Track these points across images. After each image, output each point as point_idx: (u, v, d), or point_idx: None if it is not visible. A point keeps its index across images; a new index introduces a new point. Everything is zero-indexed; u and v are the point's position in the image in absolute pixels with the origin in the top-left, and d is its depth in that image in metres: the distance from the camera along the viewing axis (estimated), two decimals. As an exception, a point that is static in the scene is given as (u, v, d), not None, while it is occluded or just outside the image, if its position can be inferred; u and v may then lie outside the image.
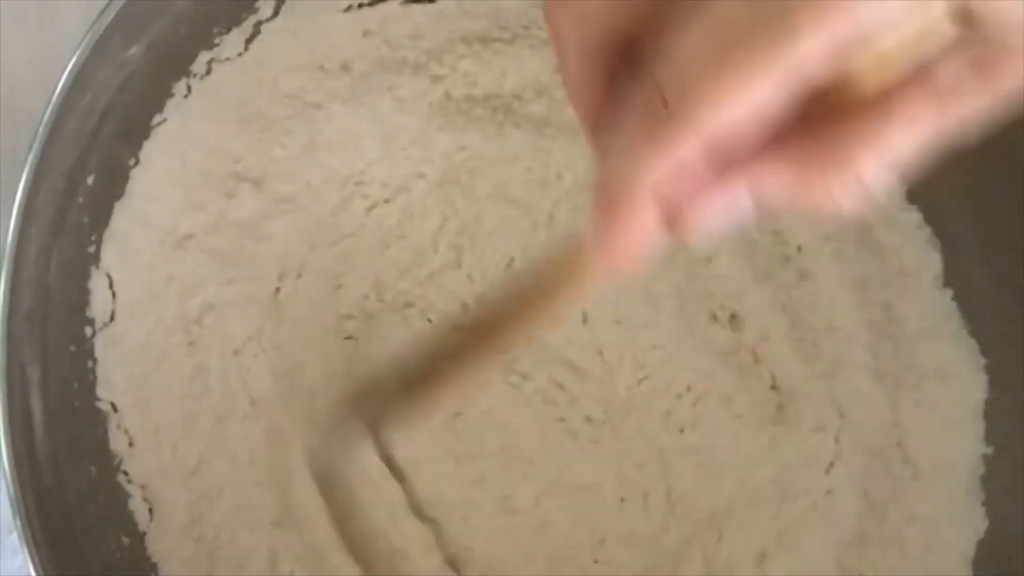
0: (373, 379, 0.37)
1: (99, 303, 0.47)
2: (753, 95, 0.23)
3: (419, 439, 0.50)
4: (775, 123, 0.24)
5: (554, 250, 0.30)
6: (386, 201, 0.52)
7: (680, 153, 0.24)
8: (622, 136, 0.25)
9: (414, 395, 0.36)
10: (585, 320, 0.51)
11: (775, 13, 0.22)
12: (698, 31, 0.23)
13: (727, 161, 0.25)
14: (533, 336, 0.32)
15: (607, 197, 0.26)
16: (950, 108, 0.24)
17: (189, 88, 0.49)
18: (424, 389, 0.36)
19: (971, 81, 0.24)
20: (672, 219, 0.26)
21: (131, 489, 0.48)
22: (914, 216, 0.52)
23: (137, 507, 0.48)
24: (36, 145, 0.42)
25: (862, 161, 0.24)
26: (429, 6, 0.51)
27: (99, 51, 0.43)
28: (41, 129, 0.42)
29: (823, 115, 0.24)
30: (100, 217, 0.47)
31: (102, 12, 0.43)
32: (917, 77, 0.24)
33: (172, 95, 0.48)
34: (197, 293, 0.49)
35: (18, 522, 0.40)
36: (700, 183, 0.25)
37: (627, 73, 0.26)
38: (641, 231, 0.26)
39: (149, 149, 0.48)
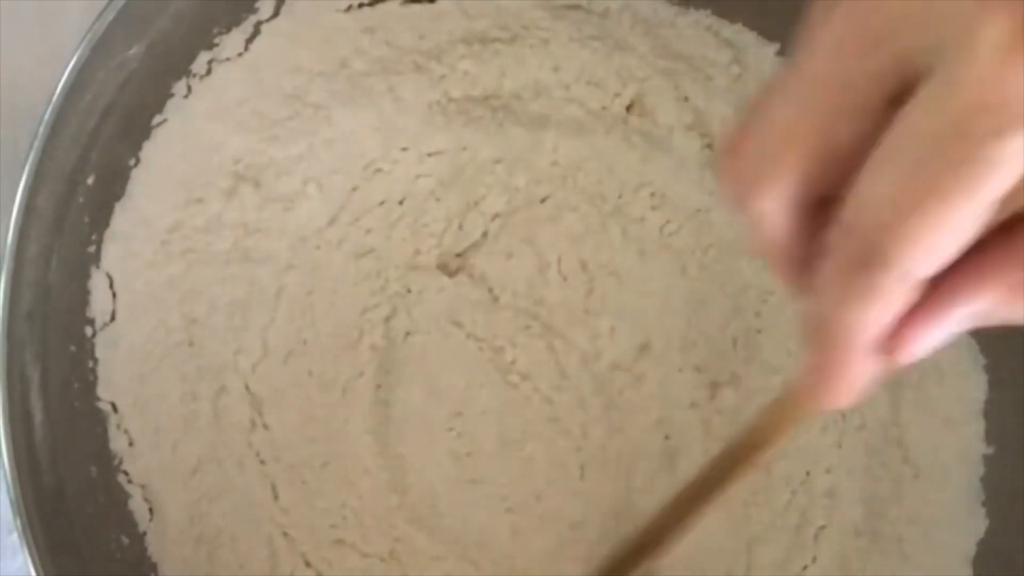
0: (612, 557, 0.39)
1: (99, 303, 0.47)
2: (954, 227, 0.23)
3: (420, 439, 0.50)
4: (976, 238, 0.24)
5: (769, 404, 0.31)
6: (386, 201, 0.52)
7: (892, 297, 0.24)
8: (831, 287, 0.25)
9: (644, 556, 0.37)
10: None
11: (956, 144, 0.22)
12: (884, 169, 0.23)
13: (934, 283, 0.25)
14: (748, 478, 0.33)
15: (825, 341, 0.26)
16: None
17: (189, 88, 0.49)
18: (651, 551, 0.37)
19: None
20: (889, 346, 0.26)
21: (131, 489, 0.48)
22: (914, 216, 0.52)
23: (137, 507, 0.48)
24: (36, 145, 0.42)
25: None
26: (429, 6, 0.51)
27: (99, 51, 0.43)
28: (41, 129, 0.42)
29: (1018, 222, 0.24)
30: (100, 217, 0.47)
31: (102, 12, 0.43)
32: None
33: (172, 95, 0.48)
34: (197, 293, 0.49)
35: (18, 522, 0.40)
36: (911, 308, 0.25)
37: (825, 225, 0.25)
38: (860, 373, 0.26)
39: (149, 149, 0.48)
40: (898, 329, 0.25)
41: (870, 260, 0.24)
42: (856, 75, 0.24)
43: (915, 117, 0.23)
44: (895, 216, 0.23)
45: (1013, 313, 0.25)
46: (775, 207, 0.26)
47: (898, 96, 0.23)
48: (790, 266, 0.27)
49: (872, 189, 0.24)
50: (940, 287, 0.25)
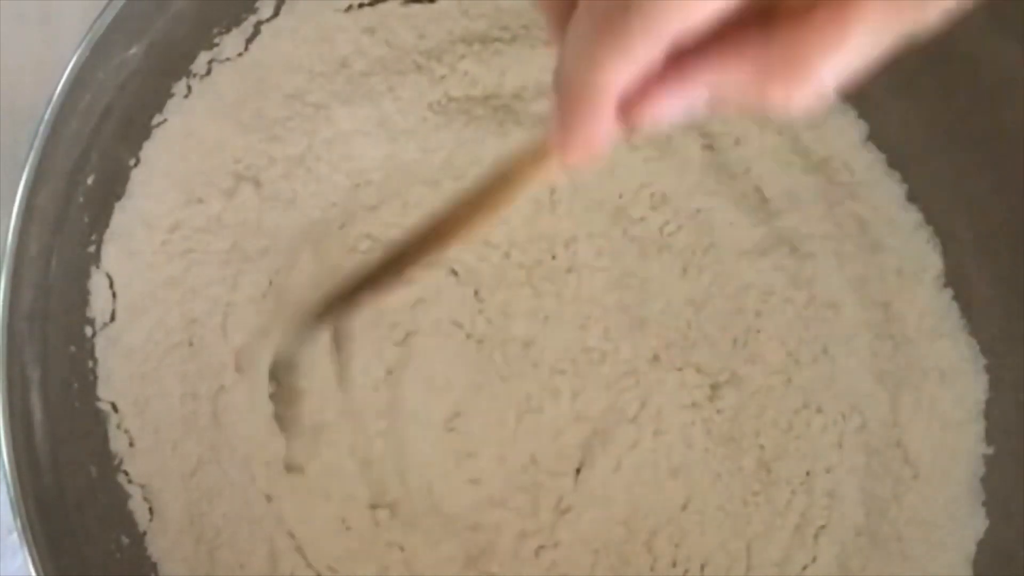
0: (344, 276, 0.39)
1: (99, 303, 0.47)
2: None
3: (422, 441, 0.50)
4: (733, 17, 0.24)
5: (518, 146, 0.31)
6: (387, 201, 0.52)
7: (640, 53, 0.24)
8: (582, 36, 0.25)
9: (376, 283, 0.37)
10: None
11: None
12: None
13: (684, 55, 0.25)
14: (488, 225, 0.33)
15: (568, 95, 0.26)
16: (906, 12, 0.24)
17: (189, 88, 0.49)
18: (385, 277, 0.37)
19: None
20: (627, 112, 0.26)
21: (131, 489, 0.48)
22: (914, 216, 0.52)
23: (137, 507, 0.48)
24: (36, 145, 0.42)
25: (820, 67, 0.24)
26: (429, 6, 0.51)
27: (99, 51, 0.43)
28: (41, 129, 0.42)
29: (782, 13, 0.24)
30: (100, 217, 0.47)
31: (102, 12, 0.43)
32: None
33: (172, 95, 0.48)
34: (197, 293, 0.49)
35: (18, 522, 0.40)
36: (657, 77, 0.25)
37: None
38: (600, 127, 0.26)
39: (149, 149, 0.48)
40: (640, 93, 0.26)
41: (619, 12, 0.24)
42: None
43: None
44: None
45: (753, 98, 0.25)
46: None
47: None
48: (558, 20, 0.27)
49: None
50: (687, 60, 0.25)
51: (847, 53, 0.24)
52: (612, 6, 0.24)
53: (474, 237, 0.33)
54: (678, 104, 0.26)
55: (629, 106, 0.26)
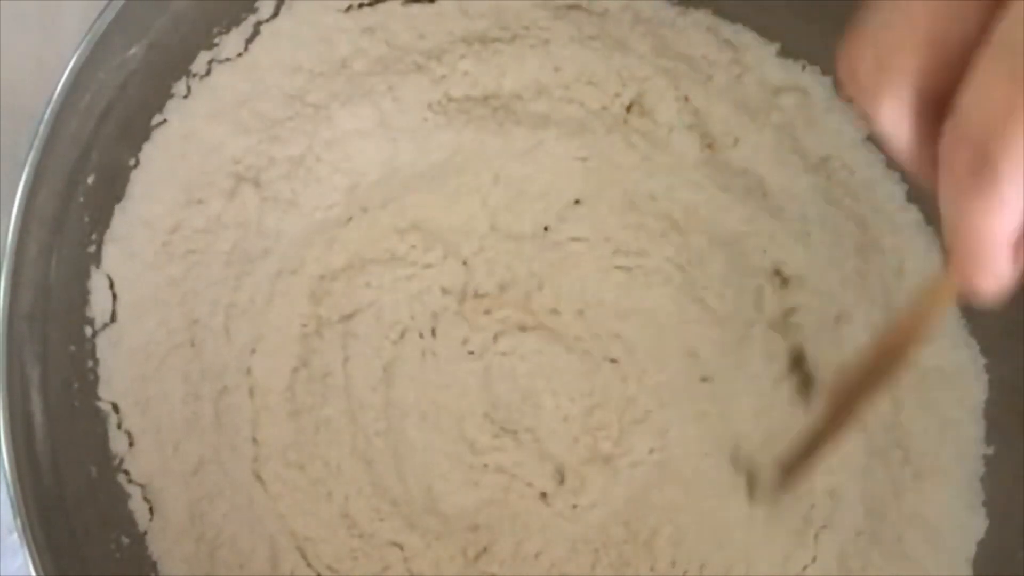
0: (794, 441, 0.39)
1: (99, 303, 0.47)
2: None
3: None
4: None
5: (914, 297, 0.32)
6: (387, 201, 0.52)
7: (1010, 204, 0.24)
8: (954, 196, 0.25)
9: (823, 439, 0.38)
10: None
11: None
12: (996, 73, 0.23)
13: None
14: (900, 374, 0.34)
15: (962, 250, 0.26)
16: None
17: (189, 88, 0.49)
18: (809, 457, 0.38)
19: None
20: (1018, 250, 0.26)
21: (131, 489, 0.48)
22: (914, 216, 0.52)
23: (137, 507, 0.48)
24: (36, 145, 0.42)
25: None
26: (429, 6, 0.51)
27: (99, 51, 0.43)
28: (41, 129, 0.42)
29: None
30: (100, 217, 0.47)
31: (102, 12, 0.43)
32: None
33: (172, 95, 0.48)
34: (198, 294, 0.49)
35: (18, 522, 0.40)
36: None
37: (942, 126, 0.26)
38: (999, 273, 0.26)
39: (149, 149, 0.48)
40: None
41: (980, 169, 0.24)
42: None
43: (1016, 17, 0.22)
44: (1000, 122, 0.23)
45: None
46: (896, 112, 0.26)
47: None
48: (920, 165, 0.28)
49: (976, 96, 0.24)
50: None
51: None
52: (973, 160, 0.24)
53: (900, 373, 0.34)
54: None
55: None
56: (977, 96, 0.24)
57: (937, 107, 0.26)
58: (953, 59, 0.25)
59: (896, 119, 0.27)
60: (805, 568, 0.50)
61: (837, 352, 0.52)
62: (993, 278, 0.27)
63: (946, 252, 0.27)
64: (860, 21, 0.27)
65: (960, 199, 0.25)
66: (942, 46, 0.25)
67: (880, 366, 0.34)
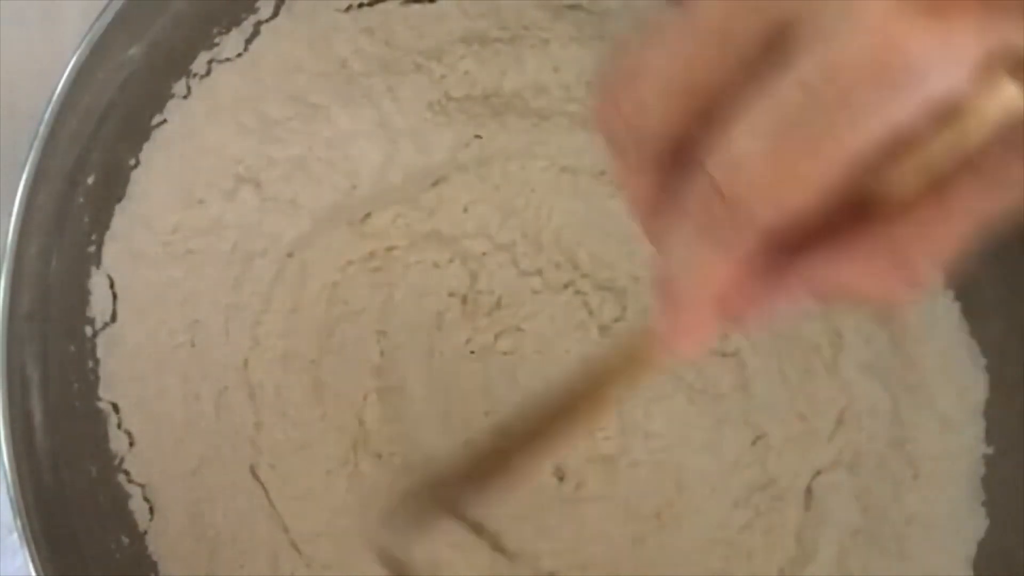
0: (433, 474, 0.39)
1: (99, 303, 0.47)
2: (812, 186, 0.22)
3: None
4: (830, 213, 0.24)
5: (613, 344, 0.31)
6: (387, 201, 0.52)
7: (741, 253, 0.24)
8: (681, 236, 0.25)
9: (470, 487, 0.37)
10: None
11: (834, 99, 0.21)
12: (754, 124, 0.23)
13: (781, 252, 0.25)
14: (592, 427, 0.33)
15: (671, 297, 0.26)
16: (997, 194, 0.24)
17: (189, 88, 0.49)
18: (479, 483, 0.37)
19: (1017, 164, 0.24)
20: (731, 311, 0.26)
21: (131, 489, 0.48)
22: (914, 216, 0.52)
23: (137, 507, 0.48)
24: (36, 145, 0.42)
25: (921, 258, 0.24)
26: (429, 6, 0.51)
27: (99, 51, 0.43)
28: (41, 129, 0.42)
29: (879, 209, 0.24)
30: (100, 217, 0.47)
31: (102, 12, 0.43)
32: (966, 165, 0.24)
33: (172, 95, 0.48)
34: (199, 294, 0.49)
35: (18, 522, 0.40)
36: (757, 276, 0.25)
37: (681, 170, 0.25)
38: (705, 328, 0.26)
39: (149, 150, 0.48)
40: (745, 292, 0.26)
41: (719, 212, 0.24)
42: (743, 31, 0.23)
43: (799, 69, 0.22)
44: (749, 164, 0.23)
45: (855, 294, 0.25)
46: (644, 160, 0.26)
47: (774, 45, 0.23)
48: (648, 215, 0.27)
49: (731, 136, 0.23)
50: (795, 258, 0.25)
51: (945, 240, 0.24)
52: (708, 203, 0.24)
53: (581, 436, 0.34)
54: (782, 303, 0.26)
55: (734, 307, 0.26)
56: (742, 143, 0.23)
57: (676, 154, 0.26)
58: (712, 107, 0.24)
59: (644, 166, 0.26)
60: (805, 568, 0.50)
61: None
62: (700, 332, 0.27)
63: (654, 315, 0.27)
64: (623, 57, 0.26)
65: (694, 244, 0.25)
66: (708, 96, 0.24)
67: (576, 406, 0.33)
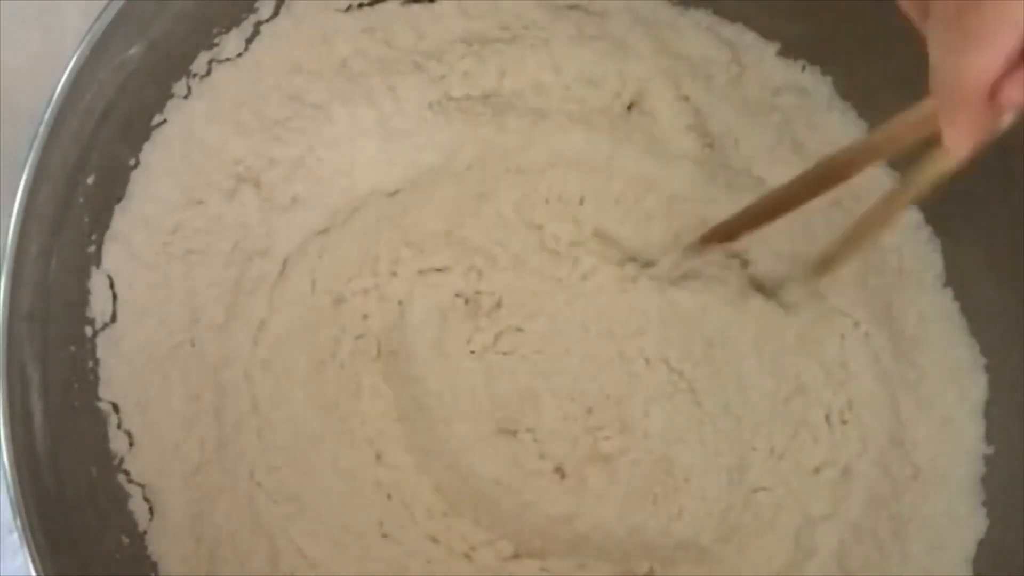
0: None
1: (99, 303, 0.47)
2: None
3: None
4: None
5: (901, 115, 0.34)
6: (387, 201, 0.52)
7: (1000, 45, 0.26)
8: (942, 41, 0.27)
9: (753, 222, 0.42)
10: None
11: None
12: None
13: None
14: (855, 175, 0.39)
15: (946, 96, 0.28)
16: None
17: (189, 88, 0.49)
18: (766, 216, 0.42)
19: None
20: (1003, 96, 0.28)
21: (131, 489, 0.48)
22: (914, 216, 0.52)
23: (137, 507, 0.48)
24: (36, 145, 0.42)
25: None
26: (429, 6, 0.51)
27: (99, 51, 0.43)
28: (41, 129, 0.42)
29: None
30: (100, 217, 0.47)
31: (102, 12, 0.43)
32: None
33: (172, 95, 0.48)
34: (198, 294, 0.49)
35: (18, 522, 0.40)
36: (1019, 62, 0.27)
37: None
38: (979, 117, 0.28)
39: (149, 149, 0.48)
40: (1009, 77, 0.27)
41: (961, 13, 0.25)
42: None
43: None
44: None
45: None
46: None
47: None
48: (917, 16, 0.29)
49: None
50: None
51: None
52: (962, 7, 0.25)
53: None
54: None
55: (1002, 91, 0.27)
56: None
57: None
58: None
59: None
60: (805, 567, 0.50)
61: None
62: (976, 125, 0.29)
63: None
64: None
65: (948, 37, 0.27)
66: None
67: (849, 164, 0.38)
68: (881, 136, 0.37)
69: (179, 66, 0.48)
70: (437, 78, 0.51)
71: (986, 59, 0.26)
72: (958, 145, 0.30)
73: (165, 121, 0.48)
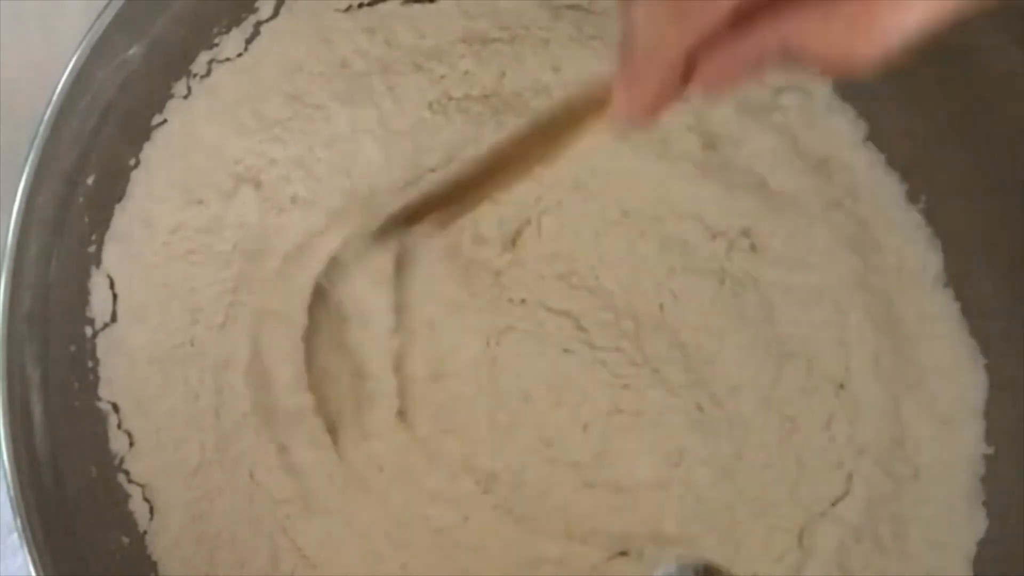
0: (415, 199, 0.39)
1: (99, 303, 0.47)
2: None
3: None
4: None
5: (577, 92, 0.31)
6: (387, 201, 0.52)
7: (702, 25, 0.25)
8: (648, 10, 0.26)
9: (444, 207, 0.38)
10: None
11: None
12: None
13: (751, 14, 0.25)
14: (541, 168, 0.34)
15: (629, 66, 0.27)
16: None
17: (189, 88, 0.49)
18: (451, 203, 0.38)
19: None
20: (693, 73, 0.26)
21: (131, 489, 0.48)
22: (914, 216, 0.52)
23: (137, 507, 0.48)
24: (36, 145, 0.42)
25: (890, 18, 0.24)
26: (429, 6, 0.51)
27: (99, 51, 0.43)
28: (41, 129, 0.42)
29: None
30: (100, 218, 0.47)
31: (102, 12, 0.43)
32: None
33: (172, 95, 0.48)
34: (198, 294, 0.49)
35: (18, 522, 0.41)
36: (723, 35, 0.26)
37: None
38: (666, 89, 0.27)
39: (149, 150, 0.48)
40: (705, 54, 0.26)
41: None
42: None
43: None
44: None
45: (818, 50, 0.25)
46: None
47: None
48: None
49: None
50: (754, 18, 0.25)
51: (916, 13, 0.24)
52: None
53: (523, 178, 0.34)
54: (747, 61, 0.26)
55: (696, 68, 0.26)
56: None
57: None
58: None
59: None
60: (805, 568, 0.50)
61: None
62: (657, 92, 0.27)
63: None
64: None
65: (659, 7, 0.25)
66: None
67: (511, 159, 0.35)
68: (554, 113, 0.33)
69: (179, 66, 0.48)
70: (437, 78, 0.51)
71: (696, 21, 0.25)
72: (624, 118, 0.28)
73: (165, 121, 0.48)
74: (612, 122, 0.30)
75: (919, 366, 0.51)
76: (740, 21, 0.25)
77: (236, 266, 0.50)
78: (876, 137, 0.52)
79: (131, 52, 0.45)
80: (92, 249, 0.47)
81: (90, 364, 0.47)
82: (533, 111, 0.33)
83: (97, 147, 0.46)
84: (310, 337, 0.51)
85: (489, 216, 0.51)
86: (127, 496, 0.48)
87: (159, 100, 0.48)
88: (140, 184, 0.48)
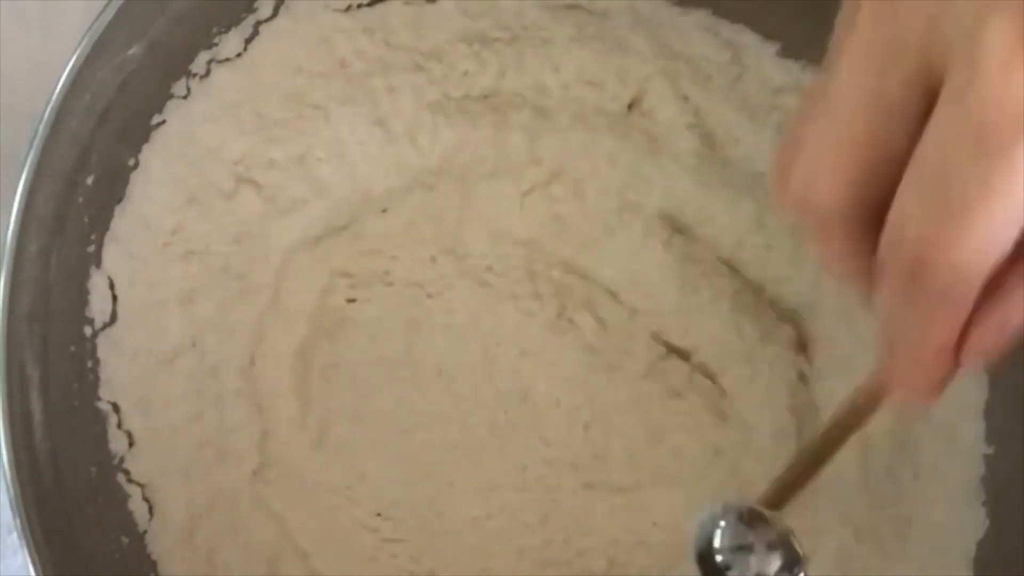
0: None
1: (99, 303, 0.47)
2: (991, 234, 0.23)
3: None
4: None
5: (857, 392, 0.32)
6: (388, 201, 0.52)
7: (947, 306, 0.25)
8: (889, 300, 0.26)
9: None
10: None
11: (973, 152, 0.22)
12: (913, 185, 0.23)
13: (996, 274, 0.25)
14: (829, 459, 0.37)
15: (903, 358, 0.27)
16: None
17: (189, 88, 0.49)
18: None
19: None
20: (962, 348, 0.27)
21: (131, 489, 0.48)
22: (914, 216, 0.52)
23: (137, 507, 0.48)
24: (36, 145, 0.42)
25: None
26: (429, 6, 0.51)
27: (99, 51, 0.43)
28: (41, 129, 0.42)
29: None
30: (100, 218, 0.47)
31: (102, 12, 0.43)
32: None
33: (172, 95, 0.48)
34: (198, 294, 0.49)
35: (18, 522, 0.41)
36: (977, 307, 0.26)
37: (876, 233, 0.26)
38: (939, 376, 0.27)
39: (149, 150, 0.48)
40: (963, 334, 0.26)
41: (917, 273, 0.24)
42: (888, 83, 0.24)
43: (935, 129, 0.23)
44: (931, 228, 0.23)
45: None
46: (829, 221, 0.26)
47: (932, 100, 0.23)
48: (858, 277, 0.28)
49: (908, 202, 0.24)
50: (994, 291, 0.25)
51: None
52: (909, 266, 0.24)
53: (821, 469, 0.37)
54: (1002, 330, 0.27)
55: (959, 344, 0.27)
56: (909, 200, 0.24)
57: (873, 216, 0.26)
58: (888, 165, 0.25)
59: (828, 228, 0.27)
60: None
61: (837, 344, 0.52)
62: (931, 383, 0.27)
63: (881, 361, 0.28)
64: (789, 130, 0.26)
65: (897, 303, 0.26)
66: (876, 152, 0.25)
67: (823, 449, 0.36)
68: (846, 414, 0.35)
69: (179, 66, 0.48)
70: (437, 78, 0.51)
71: (946, 326, 0.25)
72: (914, 404, 0.29)
73: (165, 121, 0.48)
74: (891, 402, 0.31)
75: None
76: (990, 289, 0.25)
77: (236, 266, 0.50)
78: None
79: (131, 52, 0.45)
80: (92, 249, 0.47)
81: (90, 364, 0.47)
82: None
83: (97, 147, 0.46)
84: (310, 338, 0.51)
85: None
86: (127, 496, 0.48)
87: (159, 100, 0.48)
88: (139, 185, 0.48)
